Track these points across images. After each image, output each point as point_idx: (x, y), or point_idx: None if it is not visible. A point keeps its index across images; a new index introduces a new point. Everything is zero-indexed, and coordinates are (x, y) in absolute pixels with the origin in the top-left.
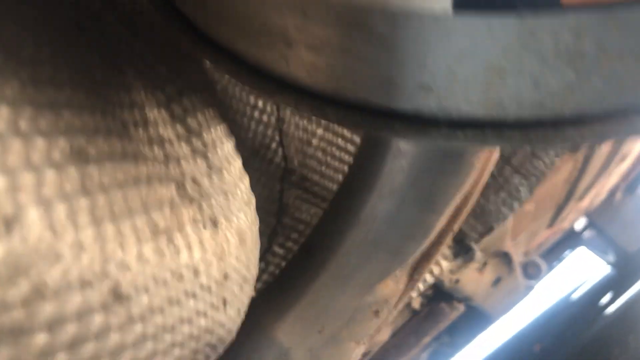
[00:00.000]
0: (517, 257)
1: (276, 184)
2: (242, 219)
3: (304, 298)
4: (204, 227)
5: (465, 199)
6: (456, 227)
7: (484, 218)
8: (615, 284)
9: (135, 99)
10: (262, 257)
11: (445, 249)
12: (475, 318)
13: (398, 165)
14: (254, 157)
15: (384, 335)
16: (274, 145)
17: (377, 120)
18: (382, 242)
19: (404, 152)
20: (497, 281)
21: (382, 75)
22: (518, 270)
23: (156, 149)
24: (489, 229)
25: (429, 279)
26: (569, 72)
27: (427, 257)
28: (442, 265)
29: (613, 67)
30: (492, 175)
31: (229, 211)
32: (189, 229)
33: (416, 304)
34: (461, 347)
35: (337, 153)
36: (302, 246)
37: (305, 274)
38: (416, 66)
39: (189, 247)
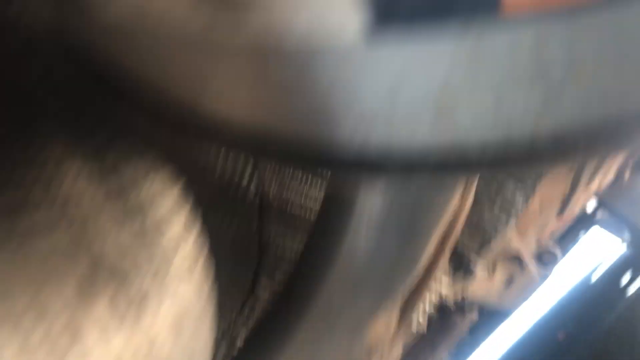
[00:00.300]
0: (529, 251)
1: (253, 221)
2: (182, 291)
3: (287, 348)
4: (125, 310)
5: (454, 220)
6: (447, 253)
7: (481, 228)
8: (633, 262)
9: (45, 156)
10: (247, 302)
11: (446, 264)
12: (492, 315)
13: (372, 197)
14: (224, 194)
15: (396, 353)
16: (246, 178)
17: (323, 162)
18: (366, 280)
19: (376, 183)
20: (509, 281)
21: (317, 111)
22: (531, 266)
23: (63, 210)
24: (488, 240)
25: (433, 299)
26: (534, 92)
27: (418, 289)
28: (443, 281)
29: (586, 80)
30: (485, 181)
31: (162, 286)
32: (100, 313)
33: (423, 325)
34: (481, 342)
35: (317, 181)
36: (282, 291)
37: (287, 322)
38: (348, 102)
39: (102, 339)
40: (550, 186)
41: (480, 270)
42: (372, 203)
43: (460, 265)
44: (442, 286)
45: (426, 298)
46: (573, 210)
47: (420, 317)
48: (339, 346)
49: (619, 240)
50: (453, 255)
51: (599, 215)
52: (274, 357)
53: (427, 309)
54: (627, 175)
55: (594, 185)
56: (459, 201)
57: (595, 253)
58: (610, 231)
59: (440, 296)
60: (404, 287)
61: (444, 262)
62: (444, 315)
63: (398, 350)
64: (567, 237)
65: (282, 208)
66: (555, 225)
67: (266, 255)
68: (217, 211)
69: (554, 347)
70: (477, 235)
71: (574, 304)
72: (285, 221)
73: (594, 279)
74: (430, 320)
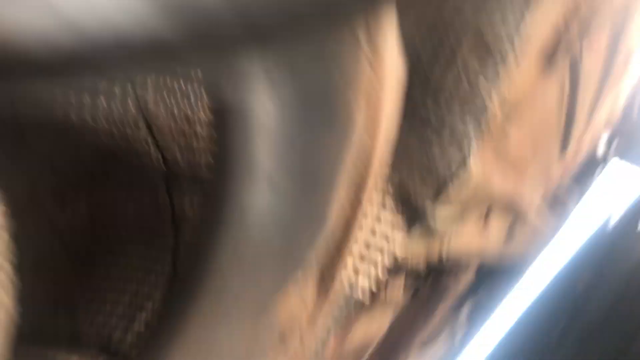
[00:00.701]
0: (532, 199)
1: (160, 194)
2: None
3: (180, 343)
4: None
5: (367, 158)
6: (367, 201)
7: (433, 170)
8: None
9: None
10: (172, 287)
11: (397, 217)
12: (499, 272)
13: (255, 136)
14: (117, 169)
15: (382, 326)
16: (144, 146)
17: None
18: (264, 244)
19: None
20: (510, 232)
21: None
22: (533, 215)
23: None
24: (445, 183)
25: (385, 261)
26: None
27: (338, 251)
28: (396, 240)
29: None
30: (423, 111)
31: None
32: None
33: (398, 293)
34: (500, 300)
35: None
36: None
37: (177, 311)
38: None
39: None
40: (540, 123)
41: (469, 222)
42: (256, 149)
43: (415, 219)
44: (394, 245)
45: (376, 261)
46: (581, 148)
47: (361, 282)
48: (240, 332)
49: (637, 172)
50: (403, 206)
51: (614, 149)
52: (164, 353)
53: (375, 273)
54: (636, 111)
55: (602, 116)
56: (368, 135)
57: (612, 195)
58: (629, 162)
59: (396, 258)
60: (314, 249)
61: (386, 216)
62: (432, 277)
63: (322, 327)
64: (581, 180)
65: (195, 175)
66: (562, 168)
67: (185, 231)
68: (105, 185)
69: (574, 298)
70: (429, 179)
71: (592, 253)
72: (203, 189)
73: (610, 224)
74: (415, 289)
